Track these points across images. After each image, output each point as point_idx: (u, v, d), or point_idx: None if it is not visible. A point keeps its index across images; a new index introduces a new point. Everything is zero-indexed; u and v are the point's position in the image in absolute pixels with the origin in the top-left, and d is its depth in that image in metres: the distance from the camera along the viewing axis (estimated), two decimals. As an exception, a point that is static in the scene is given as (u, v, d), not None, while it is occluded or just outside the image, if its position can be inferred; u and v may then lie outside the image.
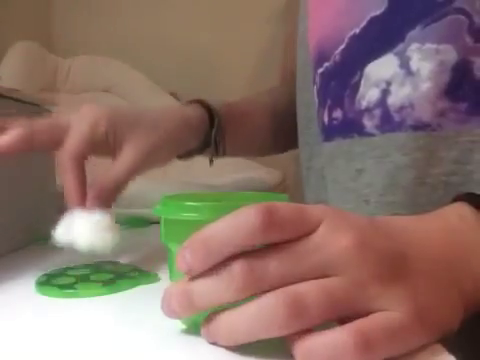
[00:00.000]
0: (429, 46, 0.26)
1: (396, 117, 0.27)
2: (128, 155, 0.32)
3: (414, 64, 0.27)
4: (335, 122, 0.31)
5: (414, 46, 0.26)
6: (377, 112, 0.28)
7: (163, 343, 0.20)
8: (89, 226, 0.28)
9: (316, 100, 0.33)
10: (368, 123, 0.29)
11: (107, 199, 0.32)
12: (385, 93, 0.28)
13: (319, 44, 0.32)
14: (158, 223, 0.52)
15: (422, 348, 0.18)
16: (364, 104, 0.29)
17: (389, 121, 0.28)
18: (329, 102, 0.32)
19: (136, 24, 1.00)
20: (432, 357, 0.18)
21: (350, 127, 0.30)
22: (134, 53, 0.96)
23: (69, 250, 0.37)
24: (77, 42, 0.98)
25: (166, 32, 0.99)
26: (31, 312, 0.24)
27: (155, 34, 0.99)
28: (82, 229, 0.27)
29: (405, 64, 0.27)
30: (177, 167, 0.81)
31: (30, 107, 0.40)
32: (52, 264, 0.32)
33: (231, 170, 0.68)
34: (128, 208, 0.50)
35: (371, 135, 0.29)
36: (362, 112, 0.29)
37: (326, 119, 0.32)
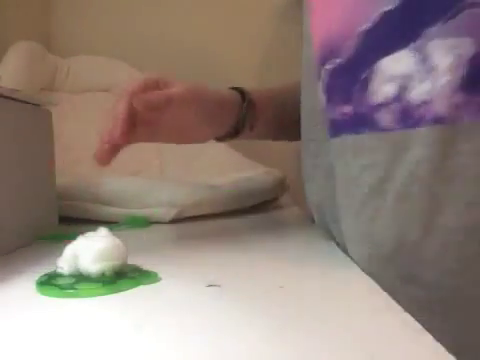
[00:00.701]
0: (448, 41, 0.26)
1: (416, 112, 0.27)
2: (178, 87, 0.40)
3: (434, 59, 0.26)
4: (345, 118, 0.31)
5: (434, 42, 0.26)
6: (394, 107, 0.28)
7: (164, 344, 0.20)
8: (95, 255, 0.27)
9: (323, 96, 0.33)
10: (383, 118, 0.29)
11: (157, 106, 0.38)
12: (402, 89, 0.28)
13: (326, 39, 0.32)
14: (158, 223, 0.53)
15: (423, 350, 0.19)
16: (377, 99, 0.29)
17: (409, 116, 0.28)
18: (337, 98, 0.32)
19: (136, 24, 1.00)
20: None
21: (361, 122, 0.30)
22: (134, 53, 0.96)
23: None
24: (77, 42, 0.98)
25: (166, 32, 0.99)
26: (31, 312, 0.24)
27: (155, 34, 0.99)
28: (88, 260, 0.27)
29: (424, 60, 0.27)
30: (177, 167, 0.81)
31: (30, 107, 0.40)
32: (52, 264, 0.32)
33: (231, 170, 0.68)
34: (128, 208, 0.50)
35: (387, 130, 0.29)
36: (375, 107, 0.29)
37: (335, 115, 0.32)
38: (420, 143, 0.27)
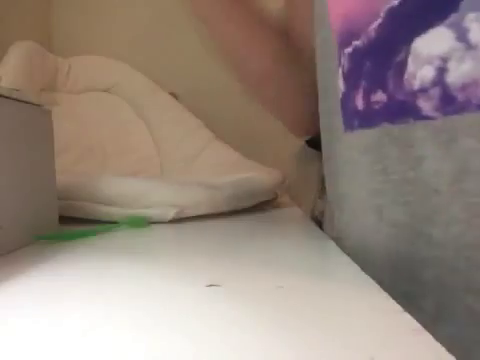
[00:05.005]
0: None
1: (459, 97, 0.25)
2: None
3: (474, 36, 0.24)
4: (377, 106, 0.28)
5: (472, 15, 0.24)
6: (435, 92, 0.25)
7: (163, 343, 0.20)
8: None
9: (342, 84, 0.31)
10: (425, 105, 0.26)
11: None
12: (442, 71, 0.25)
13: (346, 22, 0.30)
14: (158, 223, 0.53)
15: (423, 350, 0.18)
16: (417, 84, 0.26)
17: (451, 102, 0.25)
18: (364, 84, 0.29)
19: (136, 24, 1.00)
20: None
21: (402, 110, 0.27)
22: (134, 53, 0.96)
23: (70, 250, 0.37)
24: (77, 42, 0.98)
25: (166, 32, 0.99)
26: (31, 312, 0.24)
27: (155, 34, 0.99)
28: None
29: (463, 36, 0.24)
30: (177, 167, 0.81)
31: (30, 107, 0.40)
32: (52, 264, 0.32)
33: (231, 170, 0.68)
34: (128, 208, 0.50)
35: (431, 118, 0.26)
36: (415, 93, 0.26)
37: (361, 103, 0.29)
38: (467, 132, 0.24)
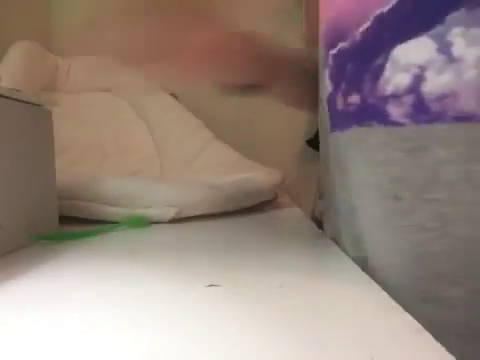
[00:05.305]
0: (475, 31, 0.23)
1: (433, 107, 0.25)
2: None
3: (457, 49, 0.24)
4: (351, 108, 0.29)
5: (457, 30, 0.24)
6: (407, 99, 0.25)
7: (163, 343, 0.20)
8: None
9: (328, 84, 0.31)
10: (394, 111, 0.26)
11: None
12: (418, 79, 0.25)
13: (334, 23, 0.30)
14: (158, 223, 0.53)
15: (423, 350, 0.18)
16: (390, 89, 0.26)
17: (424, 111, 0.25)
18: (344, 86, 0.29)
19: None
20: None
21: (369, 114, 0.27)
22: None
23: (70, 250, 0.37)
24: (77, 42, 0.97)
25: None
26: (31, 312, 0.24)
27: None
28: None
29: (445, 49, 0.24)
30: (177, 167, 0.81)
31: (30, 107, 0.40)
32: (52, 265, 0.32)
33: (231, 170, 0.68)
34: (128, 208, 0.50)
35: (399, 124, 0.26)
36: (387, 98, 0.26)
37: (340, 105, 0.30)
38: (440, 143, 0.24)
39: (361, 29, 0.27)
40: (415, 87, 0.25)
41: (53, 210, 0.44)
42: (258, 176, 0.61)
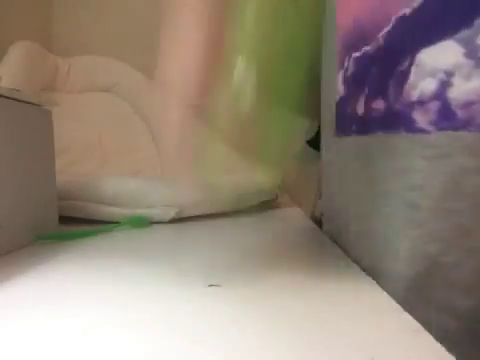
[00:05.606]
0: None
1: (460, 113, 0.24)
2: None
3: None
4: (375, 113, 0.28)
5: None
6: (433, 106, 0.25)
7: (163, 343, 0.20)
8: None
9: (342, 87, 0.31)
10: (420, 117, 0.25)
11: None
12: (444, 85, 0.24)
13: (354, 24, 0.29)
14: (158, 223, 0.53)
15: (423, 350, 0.18)
16: (415, 95, 0.25)
17: (450, 117, 0.24)
18: (367, 90, 0.28)
19: (136, 24, 1.00)
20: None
21: (396, 120, 0.27)
22: (134, 53, 0.96)
23: (70, 250, 0.37)
24: (77, 42, 0.98)
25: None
26: (31, 312, 0.24)
27: (155, 34, 0.99)
28: None
29: (473, 53, 0.23)
30: (177, 167, 0.81)
31: (30, 107, 0.40)
32: (52, 265, 0.32)
33: (231, 170, 0.68)
34: (128, 208, 0.50)
35: (423, 131, 0.25)
36: (412, 104, 0.25)
37: (362, 110, 0.29)
38: (466, 151, 0.24)
39: (383, 32, 0.27)
40: (441, 93, 0.24)
41: (53, 210, 0.44)
42: (258, 176, 0.61)
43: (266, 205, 0.60)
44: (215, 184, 0.55)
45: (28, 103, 0.39)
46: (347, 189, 0.33)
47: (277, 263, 0.33)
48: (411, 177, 0.26)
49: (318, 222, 0.47)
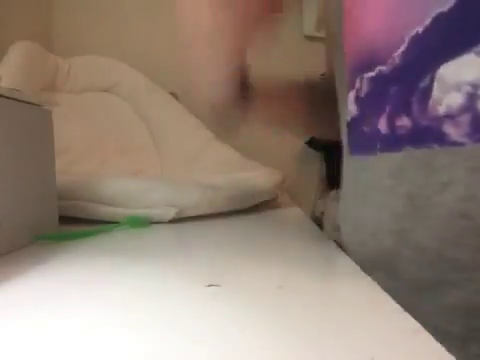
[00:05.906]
0: None
1: None
2: None
3: None
4: (402, 131, 0.28)
5: None
6: (464, 119, 0.25)
7: (163, 344, 0.20)
8: None
9: (354, 107, 0.31)
10: (453, 131, 0.26)
11: None
12: (473, 97, 0.25)
13: (365, 46, 0.30)
14: (158, 223, 0.53)
15: (423, 350, 0.18)
16: (443, 110, 0.26)
17: None
18: (388, 109, 0.29)
19: (136, 24, 1.00)
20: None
21: (426, 135, 0.27)
22: (134, 53, 0.96)
23: (70, 250, 0.37)
24: (77, 42, 0.98)
25: (166, 32, 0.99)
26: (31, 312, 0.24)
27: (155, 34, 0.99)
28: None
29: None
30: (177, 167, 0.81)
31: (30, 107, 0.40)
32: (52, 265, 0.32)
33: (231, 170, 0.68)
34: (128, 208, 0.50)
35: (458, 144, 0.26)
36: (441, 119, 0.26)
37: (385, 127, 0.29)
38: None
39: (399, 52, 0.27)
40: (471, 105, 0.25)
41: (53, 210, 0.44)
42: (258, 176, 0.61)
43: (266, 205, 0.60)
44: (215, 184, 0.55)
45: (28, 103, 0.39)
46: (380, 205, 0.32)
47: (277, 263, 0.33)
48: (457, 188, 0.26)
49: (318, 222, 0.47)
